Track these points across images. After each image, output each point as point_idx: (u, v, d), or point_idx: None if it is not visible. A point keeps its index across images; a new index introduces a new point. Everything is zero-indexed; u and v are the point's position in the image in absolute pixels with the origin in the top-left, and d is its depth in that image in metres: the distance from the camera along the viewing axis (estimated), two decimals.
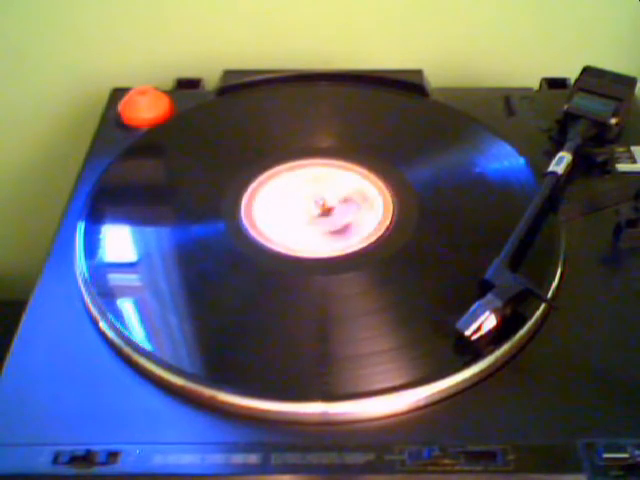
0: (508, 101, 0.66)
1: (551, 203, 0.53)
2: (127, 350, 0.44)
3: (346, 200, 0.56)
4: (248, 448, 0.39)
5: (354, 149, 0.60)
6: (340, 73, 0.68)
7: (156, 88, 0.66)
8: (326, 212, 0.54)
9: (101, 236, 0.53)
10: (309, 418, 0.41)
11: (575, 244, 0.51)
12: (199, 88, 0.70)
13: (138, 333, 0.45)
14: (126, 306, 0.47)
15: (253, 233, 0.52)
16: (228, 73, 0.69)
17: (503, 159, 0.58)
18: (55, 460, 0.39)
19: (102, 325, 0.46)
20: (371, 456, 0.39)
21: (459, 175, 0.58)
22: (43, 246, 0.53)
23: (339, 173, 0.58)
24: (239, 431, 0.41)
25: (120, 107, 0.65)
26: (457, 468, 0.38)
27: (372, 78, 0.67)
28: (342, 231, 0.53)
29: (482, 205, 0.55)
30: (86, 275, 0.49)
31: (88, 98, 0.77)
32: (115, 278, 0.50)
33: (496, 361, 0.43)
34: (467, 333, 0.43)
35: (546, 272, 0.48)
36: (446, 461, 0.38)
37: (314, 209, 0.54)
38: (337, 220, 0.54)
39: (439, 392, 0.42)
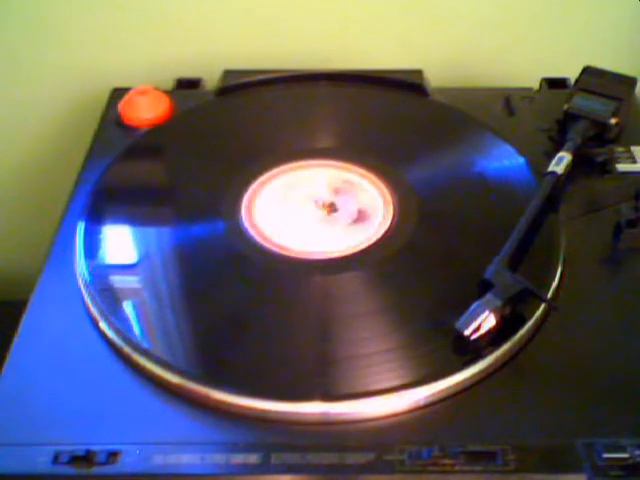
0: (508, 101, 0.66)
1: (551, 203, 0.53)
2: (127, 350, 0.44)
3: (337, 190, 0.56)
4: (248, 448, 0.39)
5: (354, 149, 0.60)
6: (340, 73, 0.68)
7: (156, 88, 0.66)
8: (331, 208, 0.55)
9: (101, 236, 0.53)
10: (309, 418, 0.41)
11: (575, 244, 0.51)
12: (199, 88, 0.70)
13: (138, 333, 0.45)
14: (126, 306, 0.47)
15: (253, 233, 0.52)
16: (228, 73, 0.69)
17: (503, 159, 0.58)
18: (55, 460, 0.39)
19: (102, 325, 0.46)
20: (371, 456, 0.39)
21: (459, 175, 0.58)
22: (43, 246, 0.53)
23: (339, 173, 0.58)
24: (239, 431, 0.41)
25: (120, 107, 0.65)
26: (457, 468, 0.38)
27: (372, 78, 0.67)
28: (361, 218, 0.53)
29: (482, 205, 0.55)
30: (86, 275, 0.49)
31: (88, 98, 0.77)
32: (115, 278, 0.50)
33: (496, 361, 0.43)
34: (466, 333, 0.43)
35: (546, 272, 0.48)
36: (446, 461, 0.39)
37: (319, 209, 0.54)
38: (349, 210, 0.54)
39: (439, 392, 0.42)
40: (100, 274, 0.49)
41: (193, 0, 0.73)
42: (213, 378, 0.43)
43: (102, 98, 0.68)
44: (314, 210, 0.55)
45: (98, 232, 0.53)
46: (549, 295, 0.47)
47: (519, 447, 0.39)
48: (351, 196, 0.56)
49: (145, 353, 0.44)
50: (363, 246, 0.51)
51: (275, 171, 0.58)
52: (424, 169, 0.58)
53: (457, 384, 0.42)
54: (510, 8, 0.74)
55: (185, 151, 0.62)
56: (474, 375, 0.43)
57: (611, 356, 0.45)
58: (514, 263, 0.47)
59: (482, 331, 0.43)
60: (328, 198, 0.55)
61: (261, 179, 0.57)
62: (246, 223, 0.53)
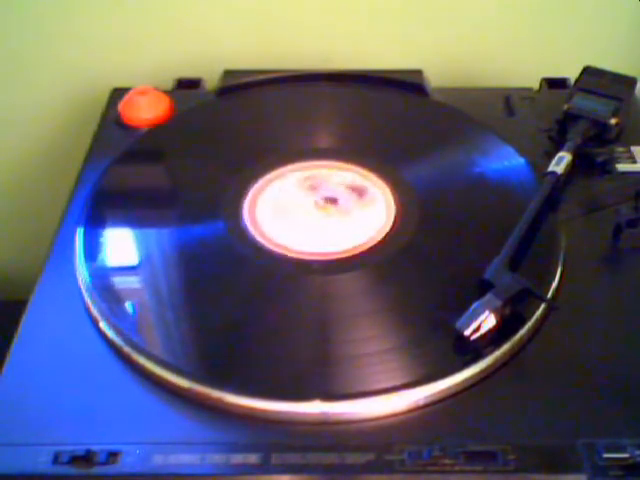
0: (508, 101, 0.66)
1: (551, 203, 0.53)
2: (127, 350, 0.44)
3: (337, 190, 0.56)
4: (248, 448, 0.39)
5: (354, 149, 0.60)
6: (340, 73, 0.68)
7: (156, 88, 0.66)
8: (331, 208, 0.55)
9: (101, 236, 0.53)
10: (309, 418, 0.41)
11: (575, 244, 0.51)
12: (199, 88, 0.70)
13: (138, 333, 0.45)
14: (126, 306, 0.47)
15: (253, 234, 0.52)
16: (228, 73, 0.69)
17: (503, 159, 0.58)
18: (55, 460, 0.39)
19: (102, 325, 0.46)
20: (371, 456, 0.39)
21: (459, 175, 0.58)
22: (43, 246, 0.53)
23: (339, 173, 0.58)
24: (239, 431, 0.41)
25: (120, 107, 0.65)
26: (457, 468, 0.38)
27: (372, 78, 0.67)
28: (361, 218, 0.54)
29: (482, 205, 0.55)
30: (86, 275, 0.49)
31: (88, 98, 0.77)
32: (115, 278, 0.50)
33: (496, 361, 0.43)
34: (466, 333, 0.43)
35: (546, 272, 0.48)
36: (446, 461, 0.39)
37: (319, 210, 0.54)
38: (349, 210, 0.54)
39: (439, 392, 0.42)
40: (100, 274, 0.49)
41: (193, 0, 0.73)
42: (213, 378, 0.43)
43: (102, 98, 0.68)
44: (314, 210, 0.55)
45: (98, 232, 0.53)
46: (549, 295, 0.47)
47: (519, 447, 0.39)
48: (351, 196, 0.56)
49: (145, 353, 0.44)
50: (363, 246, 0.51)
51: (275, 171, 0.58)
52: (424, 169, 0.58)
53: (457, 384, 0.42)
54: (510, 8, 0.74)
55: (185, 151, 0.62)
56: (474, 375, 0.43)
57: (611, 356, 0.45)
58: (514, 263, 0.47)
59: (482, 331, 0.43)
60: (328, 198, 0.55)
61: (261, 179, 0.57)
62: (246, 223, 0.53)
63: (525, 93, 0.67)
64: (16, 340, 0.46)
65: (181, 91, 0.69)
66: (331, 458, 0.39)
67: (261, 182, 0.57)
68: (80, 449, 0.39)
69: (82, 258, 0.50)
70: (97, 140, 0.63)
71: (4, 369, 0.44)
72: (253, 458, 0.39)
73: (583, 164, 0.57)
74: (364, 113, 0.65)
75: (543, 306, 0.46)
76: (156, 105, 0.64)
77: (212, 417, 0.41)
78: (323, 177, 0.58)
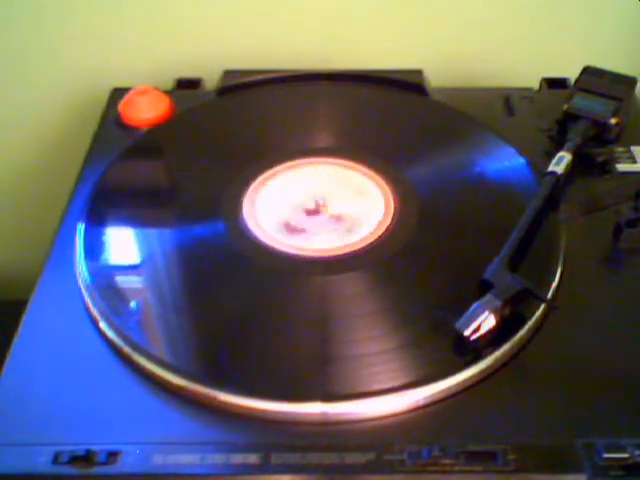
0: (508, 101, 0.66)
1: (551, 203, 0.53)
2: (127, 350, 0.44)
3: (337, 190, 0.56)
4: (248, 448, 0.39)
5: (354, 149, 0.60)
6: (340, 73, 0.68)
7: (156, 88, 0.66)
8: (331, 208, 0.54)
9: (101, 236, 0.53)
10: (309, 418, 0.41)
11: (575, 244, 0.51)
12: (199, 88, 0.70)
13: (138, 333, 0.45)
14: (126, 306, 0.47)
15: (253, 233, 0.52)
16: (228, 73, 0.69)
17: (503, 159, 0.58)
18: (55, 460, 0.39)
19: (102, 325, 0.46)
20: (371, 456, 0.39)
21: (459, 175, 0.58)
22: (43, 246, 0.53)
23: (339, 173, 0.58)
24: (239, 431, 0.41)
25: (120, 107, 0.65)
26: (457, 468, 0.38)
27: (372, 78, 0.67)
28: (361, 218, 0.53)
29: (482, 205, 0.55)
30: (86, 275, 0.49)
31: (88, 98, 0.77)
32: (115, 278, 0.50)
33: (496, 361, 0.43)
34: (466, 333, 0.43)
35: (546, 272, 0.48)
36: (446, 461, 0.39)
37: (319, 209, 0.54)
38: (349, 209, 0.54)
39: (439, 392, 0.42)
40: (100, 274, 0.49)
41: (193, 0, 0.73)
42: (213, 378, 0.43)
43: (102, 98, 0.69)
44: (314, 210, 0.55)
45: (98, 232, 0.53)
46: (549, 295, 0.47)
47: (519, 447, 0.39)
48: (351, 196, 0.56)
49: (145, 353, 0.44)
50: (363, 246, 0.51)
51: (275, 170, 0.58)
52: (424, 169, 0.58)
53: (457, 384, 0.42)
54: (510, 8, 0.74)
55: (185, 151, 0.62)
56: (474, 375, 0.43)
57: (611, 356, 0.45)
58: (514, 263, 0.47)
59: (482, 331, 0.43)
60: (328, 198, 0.55)
61: (261, 178, 0.57)
62: (246, 223, 0.53)
63: (525, 93, 0.67)
64: (16, 340, 0.46)
65: (181, 91, 0.69)
66: (331, 458, 0.39)
67: (261, 181, 0.57)
68: (80, 449, 0.39)
69: (82, 258, 0.50)
70: (97, 140, 0.63)
71: (4, 369, 0.44)
72: (253, 458, 0.39)
73: (583, 164, 0.57)
74: (364, 113, 0.65)
75: (543, 306, 0.46)
76: (156, 105, 0.64)
77: (212, 417, 0.41)
78: (323, 178, 0.58)
